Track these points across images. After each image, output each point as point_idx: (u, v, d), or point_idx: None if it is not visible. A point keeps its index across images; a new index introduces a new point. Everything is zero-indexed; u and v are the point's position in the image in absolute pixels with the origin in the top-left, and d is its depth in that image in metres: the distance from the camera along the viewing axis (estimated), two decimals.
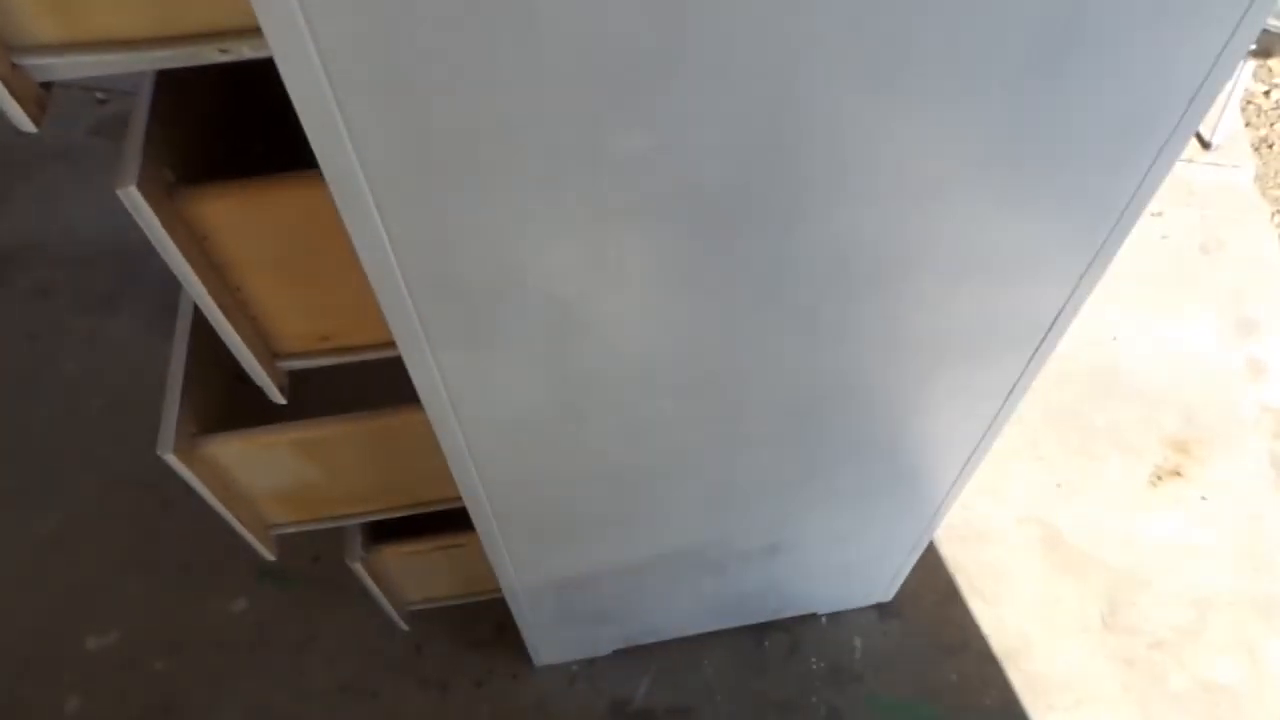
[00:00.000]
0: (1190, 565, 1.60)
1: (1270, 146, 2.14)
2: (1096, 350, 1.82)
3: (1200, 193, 2.03)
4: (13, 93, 0.52)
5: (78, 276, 1.93)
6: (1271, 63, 2.23)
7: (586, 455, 0.91)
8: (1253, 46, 1.80)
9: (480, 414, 0.80)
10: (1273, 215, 2.02)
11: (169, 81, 0.68)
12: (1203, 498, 1.67)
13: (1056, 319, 0.85)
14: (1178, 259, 1.94)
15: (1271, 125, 2.17)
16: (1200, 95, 0.63)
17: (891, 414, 0.96)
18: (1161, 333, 1.85)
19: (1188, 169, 2.05)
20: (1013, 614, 1.56)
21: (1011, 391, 0.96)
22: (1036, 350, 0.90)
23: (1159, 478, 1.69)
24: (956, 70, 0.56)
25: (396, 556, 1.22)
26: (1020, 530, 1.64)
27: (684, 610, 1.43)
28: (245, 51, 0.56)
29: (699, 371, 0.81)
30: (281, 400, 0.83)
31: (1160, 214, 2.00)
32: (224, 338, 0.74)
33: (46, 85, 0.57)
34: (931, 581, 1.59)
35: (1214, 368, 1.80)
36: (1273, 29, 1.73)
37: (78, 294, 1.91)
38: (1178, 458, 1.71)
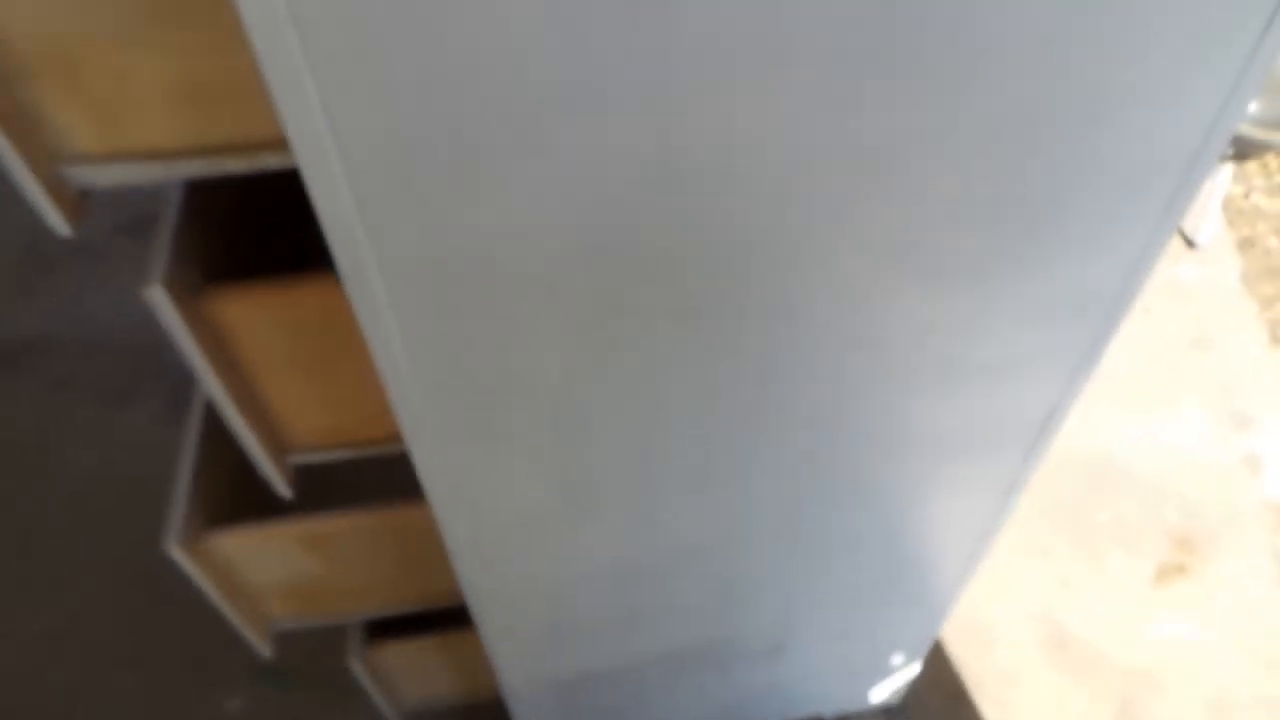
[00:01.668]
0: (1202, 666, 1.57)
1: (1254, 245, 2.20)
2: (1093, 445, 1.83)
3: (1188, 290, 2.08)
4: (54, 199, 0.56)
5: (94, 369, 1.96)
6: (1248, 166, 2.32)
7: (591, 551, 0.92)
8: (1229, 151, 1.87)
9: (485, 509, 0.81)
10: (1260, 312, 2.06)
11: (197, 183, 0.72)
12: (1210, 596, 1.65)
13: (1050, 417, 0.87)
14: (1169, 354, 1.97)
15: (1253, 225, 2.24)
16: (1179, 196, 0.66)
17: (891, 510, 0.97)
18: (1158, 427, 1.86)
19: (1174, 267, 2.10)
20: (1022, 716, 1.53)
21: (1010, 489, 0.97)
22: (1032, 448, 0.91)
23: (1164, 575, 1.68)
24: (940, 168, 0.60)
25: (396, 654, 1.20)
26: (1027, 629, 1.62)
27: (687, 711, 1.40)
28: (271, 163, 0.59)
29: (702, 469, 0.83)
30: (288, 495, 0.84)
31: (1149, 310, 2.04)
32: (237, 435, 0.76)
33: (84, 191, 0.60)
34: (938, 682, 1.56)
35: (1212, 463, 1.81)
36: (1246, 135, 1.80)
37: (93, 386, 1.94)
38: (1182, 555, 1.70)
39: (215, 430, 0.85)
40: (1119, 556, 1.70)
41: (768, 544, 0.98)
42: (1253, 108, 1.88)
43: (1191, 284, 2.08)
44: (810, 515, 0.95)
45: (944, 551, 1.08)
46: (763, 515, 0.92)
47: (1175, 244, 2.14)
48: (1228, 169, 2.07)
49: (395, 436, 0.70)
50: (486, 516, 0.82)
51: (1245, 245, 2.19)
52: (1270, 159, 2.31)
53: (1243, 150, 1.88)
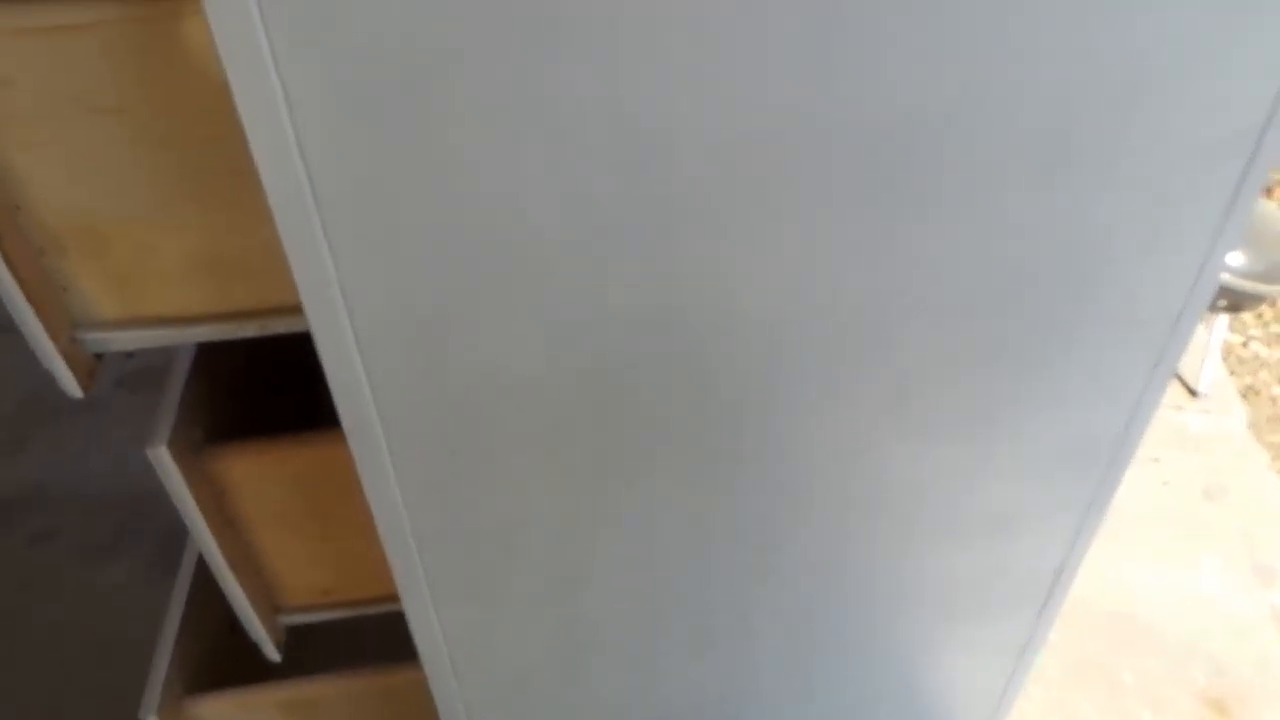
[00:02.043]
0: None
1: (1257, 394, 2.21)
2: (1114, 600, 1.77)
3: (1195, 439, 2.07)
4: (69, 364, 0.57)
5: (80, 523, 1.94)
6: (1244, 316, 2.36)
7: (591, 715, 0.88)
8: (1222, 303, 1.92)
9: (480, 669, 0.79)
10: (1272, 461, 2.05)
11: (204, 345, 0.74)
12: None
13: (1061, 572, 0.85)
14: (1183, 505, 1.94)
15: (1254, 373, 2.26)
16: (1169, 349, 0.67)
17: (904, 671, 0.93)
18: (1178, 581, 1.81)
19: (1179, 415, 2.10)
20: None
21: (1027, 647, 0.94)
22: (1045, 604, 0.89)
23: None
24: (930, 329, 0.61)
25: None
26: None
27: None
28: (280, 328, 0.61)
29: (704, 627, 0.80)
30: (276, 658, 0.81)
31: (1158, 459, 2.03)
32: (228, 593, 0.74)
33: (98, 355, 0.62)
34: None
35: (1237, 617, 1.75)
36: (1238, 287, 1.85)
37: (78, 541, 1.91)
38: (1216, 718, 1.61)
39: (202, 589, 0.83)
40: None
41: (776, 707, 0.93)
42: (1241, 261, 1.94)
43: (1198, 433, 2.08)
44: (818, 677, 0.91)
45: (964, 715, 1.03)
46: (768, 678, 0.89)
47: (1179, 392, 2.15)
48: (1223, 319, 2.11)
49: (386, 597, 0.69)
50: (482, 677, 0.79)
51: (1249, 393, 2.20)
52: (1265, 309, 2.36)
53: (1236, 301, 1.92)
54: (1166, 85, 0.50)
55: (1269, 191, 2.38)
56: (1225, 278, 1.86)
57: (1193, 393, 2.16)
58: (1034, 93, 0.49)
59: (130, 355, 2.27)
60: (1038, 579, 0.85)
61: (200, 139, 0.51)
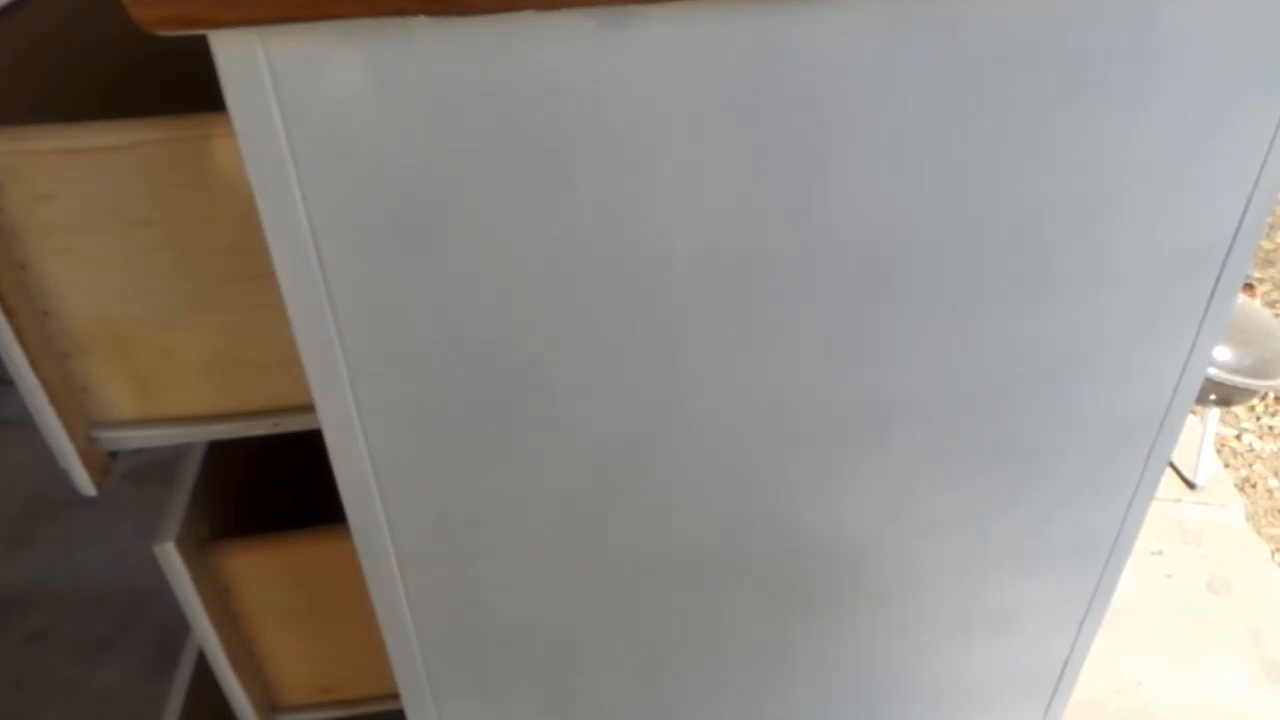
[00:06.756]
0: None
1: (1254, 486, 2.21)
2: (1124, 697, 1.74)
3: (1195, 531, 2.07)
4: (84, 462, 0.59)
5: (77, 621, 1.91)
6: (1235, 410, 2.38)
7: None
8: (1213, 397, 1.94)
9: None
10: (1273, 554, 2.04)
11: (215, 443, 0.75)
12: None
13: (1066, 665, 0.85)
14: (1187, 598, 1.92)
15: (1249, 466, 2.27)
16: (1158, 445, 0.69)
17: None
18: (1188, 678, 1.77)
19: (1178, 508, 2.10)
20: None
21: None
22: (1052, 699, 0.88)
23: None
24: (923, 430, 0.63)
25: None
26: None
27: None
28: (291, 426, 0.63)
29: None
30: None
31: (1160, 552, 2.02)
32: (227, 692, 0.74)
33: (112, 453, 0.63)
34: None
35: (1250, 716, 1.71)
36: (1227, 381, 1.88)
37: (73, 639, 1.88)
38: None
39: (199, 688, 0.82)
40: None
41: None
42: (1229, 356, 1.97)
43: (1198, 525, 2.07)
44: None
45: None
46: None
47: (1177, 485, 2.15)
48: (1215, 413, 2.13)
49: (385, 695, 0.69)
50: None
51: (1245, 486, 2.20)
52: (1256, 403, 2.39)
53: (1226, 396, 1.94)
54: (1142, 201, 0.53)
55: (1251, 289, 2.43)
56: (1214, 373, 1.89)
57: (1190, 485, 2.17)
58: (1016, 210, 0.52)
59: (138, 450, 2.27)
60: (1044, 672, 0.84)
61: (225, 248, 0.54)
